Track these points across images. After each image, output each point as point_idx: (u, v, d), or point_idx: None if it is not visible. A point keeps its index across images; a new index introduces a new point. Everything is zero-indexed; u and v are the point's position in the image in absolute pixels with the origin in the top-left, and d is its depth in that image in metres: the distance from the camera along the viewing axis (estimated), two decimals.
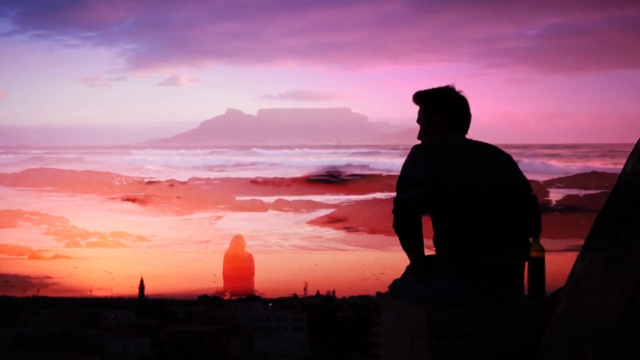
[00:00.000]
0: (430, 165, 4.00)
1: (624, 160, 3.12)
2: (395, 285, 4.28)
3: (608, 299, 2.85)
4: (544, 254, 4.28)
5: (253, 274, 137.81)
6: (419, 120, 4.29)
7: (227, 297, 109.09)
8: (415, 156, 4.07)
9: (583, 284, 2.99)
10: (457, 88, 4.29)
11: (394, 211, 4.05)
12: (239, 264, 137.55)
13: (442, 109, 4.21)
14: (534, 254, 4.24)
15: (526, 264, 4.20)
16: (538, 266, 4.26)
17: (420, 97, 4.28)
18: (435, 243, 4.12)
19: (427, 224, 4.09)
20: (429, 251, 4.15)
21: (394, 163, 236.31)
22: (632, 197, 2.95)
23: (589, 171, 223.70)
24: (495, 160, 4.15)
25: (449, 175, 4.01)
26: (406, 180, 4.03)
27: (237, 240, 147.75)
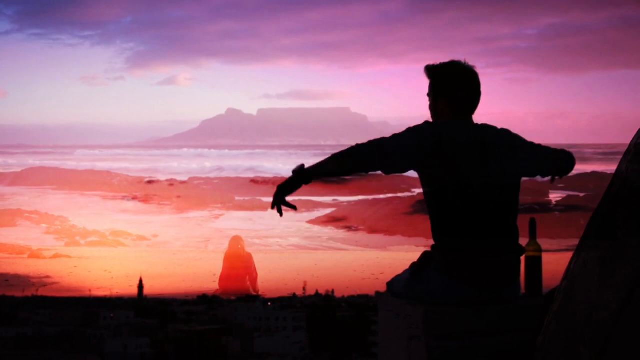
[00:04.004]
0: (429, 145, 3.90)
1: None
2: (393, 283, 4.24)
3: (603, 298, 2.85)
4: (541, 253, 4.27)
5: (255, 272, 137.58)
6: (428, 95, 4.15)
7: (225, 297, 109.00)
8: (421, 128, 3.96)
9: (578, 283, 3.00)
10: None
11: (367, 143, 3.91)
12: (238, 264, 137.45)
13: (446, 91, 4.05)
14: (530, 253, 4.23)
15: (522, 263, 4.18)
16: (535, 265, 4.25)
17: (427, 72, 4.12)
18: (434, 241, 4.07)
19: (425, 223, 4.07)
20: (426, 248, 4.14)
21: None
22: (626, 196, 2.95)
23: (588, 171, 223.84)
24: (498, 150, 4.03)
25: (446, 167, 3.92)
26: (398, 139, 3.91)
27: (236, 240, 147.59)
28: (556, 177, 4.54)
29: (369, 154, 3.87)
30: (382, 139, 3.91)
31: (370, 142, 3.89)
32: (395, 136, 3.93)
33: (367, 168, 3.90)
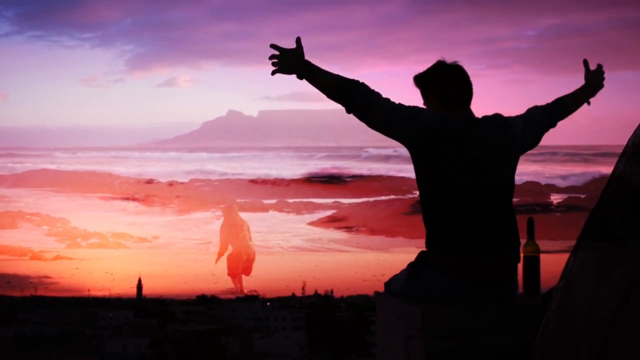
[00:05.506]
0: (428, 130, 3.91)
1: None
2: (391, 283, 4.24)
3: (602, 297, 2.85)
4: (539, 254, 4.26)
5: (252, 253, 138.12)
6: (424, 103, 4.18)
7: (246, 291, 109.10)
8: (425, 110, 4.00)
9: (576, 282, 3.00)
10: None
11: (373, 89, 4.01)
12: (238, 261, 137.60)
13: (437, 91, 4.06)
14: (529, 253, 4.22)
15: (521, 262, 4.16)
16: (533, 265, 4.24)
17: (415, 81, 4.17)
18: (430, 241, 4.05)
19: (420, 225, 4.06)
20: (421, 248, 4.13)
21: (394, 164, 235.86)
22: (623, 196, 2.95)
23: (589, 172, 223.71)
24: (497, 147, 4.01)
25: (445, 162, 3.91)
26: (401, 104, 3.98)
27: (229, 208, 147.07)
28: (589, 100, 4.65)
29: (368, 94, 3.97)
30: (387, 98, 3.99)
31: (375, 91, 3.99)
32: (399, 103, 3.99)
33: (359, 105, 3.98)
